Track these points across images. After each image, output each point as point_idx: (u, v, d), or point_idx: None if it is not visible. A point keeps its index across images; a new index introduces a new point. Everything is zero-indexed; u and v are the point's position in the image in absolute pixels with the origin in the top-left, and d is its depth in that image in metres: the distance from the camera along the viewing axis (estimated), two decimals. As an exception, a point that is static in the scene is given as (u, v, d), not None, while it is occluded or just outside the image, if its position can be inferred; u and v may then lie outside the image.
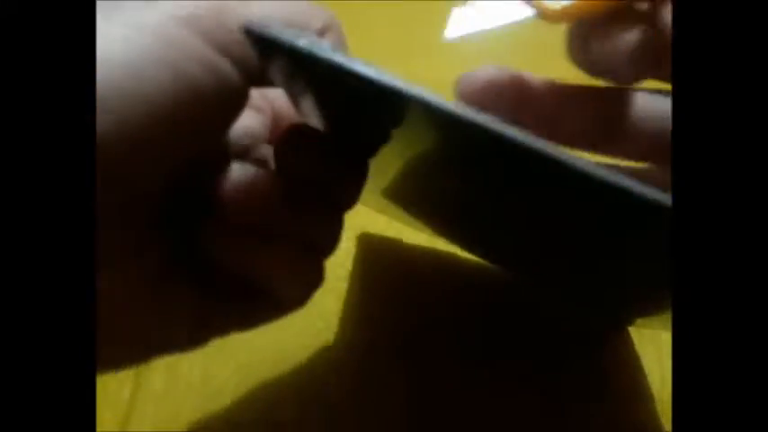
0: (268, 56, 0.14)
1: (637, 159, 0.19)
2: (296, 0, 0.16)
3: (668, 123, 0.17)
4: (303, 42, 0.13)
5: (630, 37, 0.16)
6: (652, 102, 0.18)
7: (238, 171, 0.16)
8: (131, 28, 0.13)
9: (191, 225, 0.17)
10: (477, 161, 0.16)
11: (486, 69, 0.17)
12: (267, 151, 0.18)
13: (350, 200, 0.18)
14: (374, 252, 0.30)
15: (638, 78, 0.18)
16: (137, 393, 0.26)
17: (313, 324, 0.27)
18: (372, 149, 0.17)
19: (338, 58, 0.13)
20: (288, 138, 0.17)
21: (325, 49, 0.13)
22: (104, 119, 0.13)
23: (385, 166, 0.19)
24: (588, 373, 0.27)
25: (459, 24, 0.32)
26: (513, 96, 0.17)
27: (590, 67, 0.18)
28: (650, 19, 0.16)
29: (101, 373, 0.16)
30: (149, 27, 0.14)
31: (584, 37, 0.17)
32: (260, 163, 0.17)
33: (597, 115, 0.19)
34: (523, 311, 0.28)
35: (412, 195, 0.24)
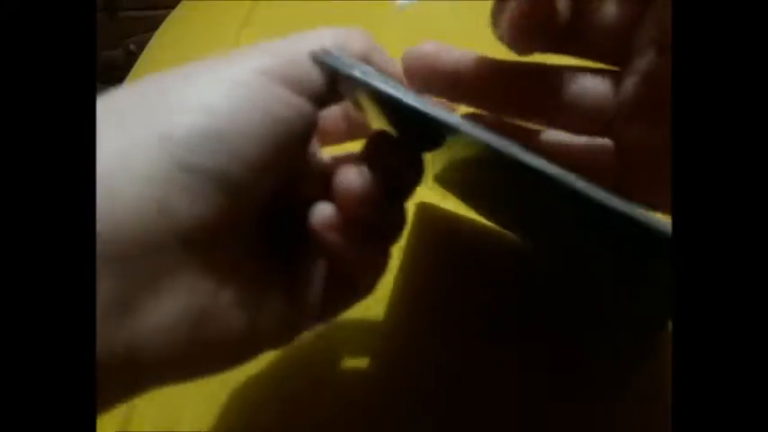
0: (334, 76, 0.18)
1: (574, 132, 0.20)
2: (345, 29, 0.19)
3: (598, 99, 0.19)
4: (358, 72, 0.16)
5: (512, 5, 0.17)
6: (581, 78, 0.19)
7: (349, 174, 0.19)
8: (226, 83, 0.17)
9: (285, 234, 0.20)
10: (504, 172, 0.19)
11: (425, 46, 0.19)
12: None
13: (412, 190, 0.21)
14: (431, 220, 0.30)
15: (531, 51, 0.18)
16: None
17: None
18: (426, 149, 0.20)
19: (386, 87, 0.16)
20: (374, 140, 0.20)
21: (376, 78, 0.16)
22: (223, 156, 0.16)
23: (436, 157, 0.21)
24: (621, 365, 0.27)
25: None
26: (449, 74, 0.19)
27: (499, 38, 0.19)
28: None
29: (197, 378, 0.18)
30: (239, 81, 0.17)
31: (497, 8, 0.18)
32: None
33: (526, 89, 0.20)
34: (566, 299, 0.28)
35: (458, 184, 0.26)
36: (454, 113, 0.16)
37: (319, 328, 0.22)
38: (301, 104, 0.18)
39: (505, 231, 0.29)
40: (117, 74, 0.52)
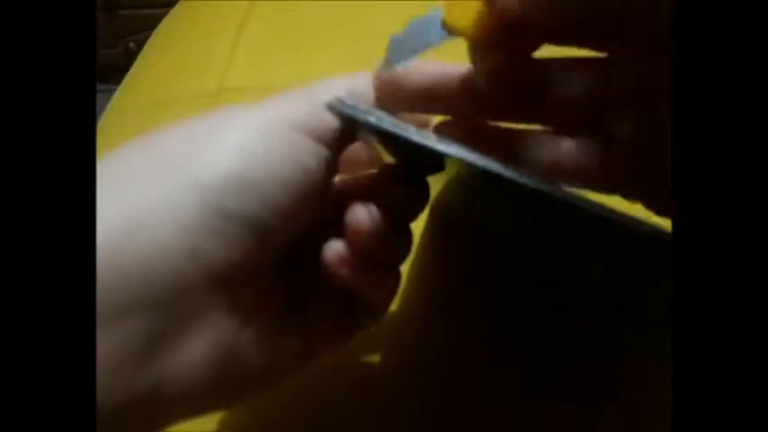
0: (350, 122, 0.19)
1: (561, 126, 0.20)
2: (351, 77, 0.20)
3: (584, 90, 0.19)
4: (372, 119, 0.18)
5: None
6: (561, 73, 0.19)
7: (359, 213, 0.20)
8: (258, 132, 0.18)
9: (301, 269, 0.21)
10: (494, 185, 0.20)
11: (398, 69, 0.20)
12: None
13: (418, 213, 0.22)
14: (444, 220, 0.30)
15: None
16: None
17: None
18: (430, 173, 0.22)
19: (395, 129, 0.18)
20: (381, 174, 0.22)
21: (386, 121, 0.18)
22: (257, 203, 0.17)
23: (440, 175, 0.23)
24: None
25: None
26: (419, 92, 0.20)
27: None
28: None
29: (215, 412, 0.19)
30: (270, 130, 0.18)
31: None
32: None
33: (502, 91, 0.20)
34: (569, 300, 0.28)
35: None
36: (452, 143, 0.18)
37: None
38: (323, 152, 0.19)
39: (509, 230, 0.29)
40: (116, 73, 0.52)
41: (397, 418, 0.26)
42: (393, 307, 0.29)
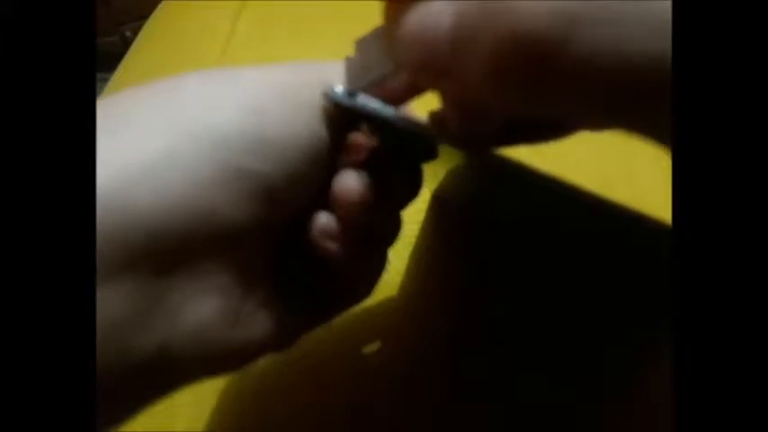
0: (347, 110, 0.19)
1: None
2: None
3: None
4: (364, 103, 0.18)
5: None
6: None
7: (349, 178, 0.19)
8: (276, 87, 0.18)
9: (292, 244, 0.20)
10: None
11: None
12: None
13: (410, 200, 0.21)
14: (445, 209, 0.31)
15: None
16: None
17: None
18: (424, 160, 0.22)
19: (389, 115, 0.18)
20: (375, 151, 0.21)
21: (381, 111, 0.18)
22: (271, 163, 0.17)
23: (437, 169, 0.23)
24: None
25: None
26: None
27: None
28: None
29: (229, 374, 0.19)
30: (282, 93, 0.18)
31: None
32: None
33: None
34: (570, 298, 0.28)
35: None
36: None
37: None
38: (332, 125, 0.19)
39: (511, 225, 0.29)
40: (113, 61, 0.51)
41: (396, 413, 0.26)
42: (392, 293, 0.29)
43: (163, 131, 0.16)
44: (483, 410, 0.26)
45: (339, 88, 0.18)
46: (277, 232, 0.19)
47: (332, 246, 0.19)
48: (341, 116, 0.19)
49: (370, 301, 0.28)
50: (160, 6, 0.57)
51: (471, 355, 0.27)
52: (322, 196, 0.20)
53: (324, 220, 0.20)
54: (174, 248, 0.15)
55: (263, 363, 0.27)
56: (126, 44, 0.61)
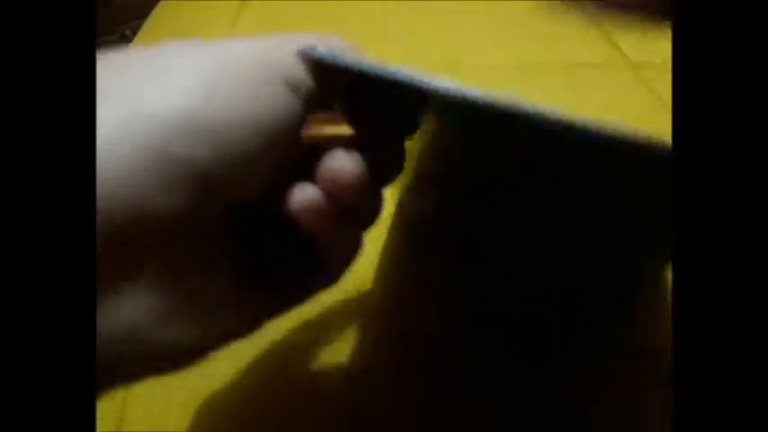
0: (322, 73, 0.18)
1: None
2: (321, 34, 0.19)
3: None
4: (350, 61, 0.17)
5: None
6: None
7: (335, 155, 0.18)
8: (219, 69, 0.16)
9: (257, 219, 0.19)
10: (489, 128, 0.19)
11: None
12: None
13: (393, 178, 0.21)
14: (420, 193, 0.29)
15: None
16: (128, 395, 0.26)
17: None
18: (407, 134, 0.21)
19: (379, 69, 0.17)
20: (361, 129, 0.20)
21: (367, 65, 0.17)
22: (205, 149, 0.16)
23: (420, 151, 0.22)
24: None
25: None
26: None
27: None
28: None
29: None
30: (232, 70, 0.16)
31: None
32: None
33: None
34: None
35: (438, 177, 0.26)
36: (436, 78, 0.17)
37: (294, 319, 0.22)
38: (293, 102, 0.17)
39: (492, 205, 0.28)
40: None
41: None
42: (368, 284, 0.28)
43: (103, 111, 0.15)
44: (477, 402, 0.26)
45: (321, 47, 0.18)
46: (238, 215, 0.18)
47: (313, 220, 0.19)
48: (320, 78, 0.18)
49: (351, 303, 0.28)
50: (160, 5, 0.57)
51: (458, 341, 0.27)
52: (297, 171, 0.19)
53: (307, 192, 0.19)
54: (108, 238, 0.15)
55: (253, 366, 0.27)
56: (126, 43, 0.61)
